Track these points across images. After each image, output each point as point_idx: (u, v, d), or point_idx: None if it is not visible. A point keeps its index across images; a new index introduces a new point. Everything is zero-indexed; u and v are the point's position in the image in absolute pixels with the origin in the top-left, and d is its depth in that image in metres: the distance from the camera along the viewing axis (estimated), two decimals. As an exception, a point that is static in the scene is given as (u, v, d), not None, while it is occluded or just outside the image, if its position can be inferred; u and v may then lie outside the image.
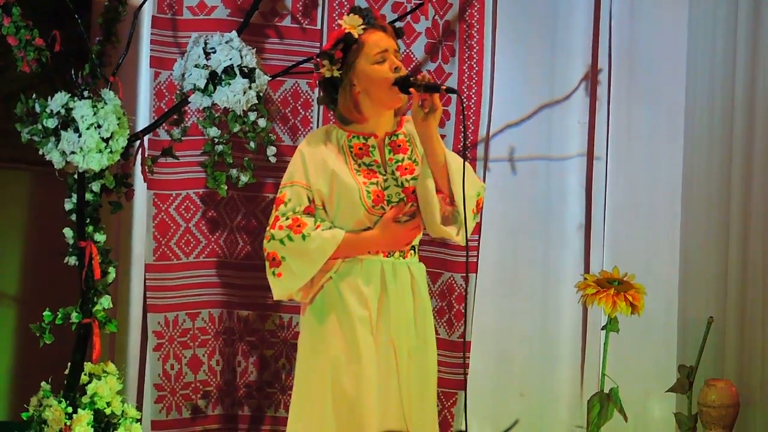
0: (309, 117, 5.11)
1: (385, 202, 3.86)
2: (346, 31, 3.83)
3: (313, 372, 3.88)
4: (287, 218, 3.82)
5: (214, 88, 4.35)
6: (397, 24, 4.32)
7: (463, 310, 5.14)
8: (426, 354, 3.94)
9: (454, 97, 4.95)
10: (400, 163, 3.91)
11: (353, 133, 3.91)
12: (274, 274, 3.84)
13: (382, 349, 3.82)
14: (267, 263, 3.86)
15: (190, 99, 4.40)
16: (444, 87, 3.74)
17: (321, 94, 3.95)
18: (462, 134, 3.92)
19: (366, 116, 3.90)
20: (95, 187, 4.43)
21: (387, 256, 3.89)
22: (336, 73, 3.85)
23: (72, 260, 4.44)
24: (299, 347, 3.97)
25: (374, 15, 3.90)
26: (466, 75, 5.21)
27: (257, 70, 4.38)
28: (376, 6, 5.10)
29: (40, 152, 4.24)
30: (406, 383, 3.86)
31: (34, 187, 5.07)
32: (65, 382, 4.41)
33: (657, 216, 5.39)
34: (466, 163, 3.83)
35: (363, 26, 3.84)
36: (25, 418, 4.40)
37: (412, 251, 3.96)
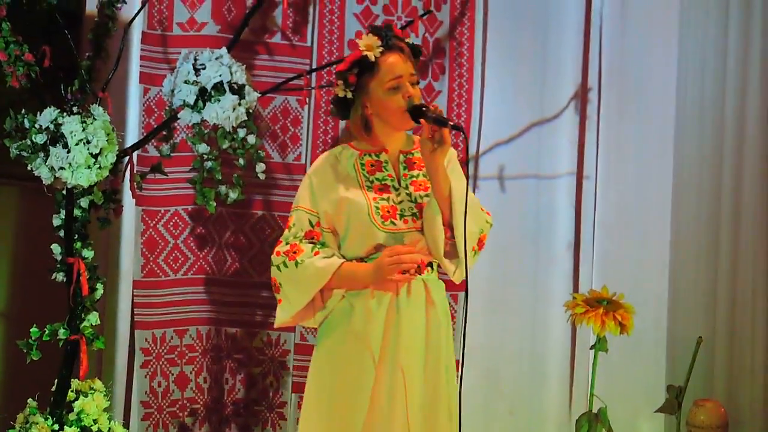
0: (298, 134, 5.10)
1: (397, 216, 3.81)
2: (363, 53, 3.80)
3: (319, 392, 3.84)
4: (287, 243, 3.80)
5: (204, 105, 4.34)
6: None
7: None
8: (439, 376, 3.85)
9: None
10: (414, 179, 3.89)
11: (364, 151, 3.89)
12: (277, 299, 3.82)
13: (388, 372, 3.75)
14: (273, 288, 3.85)
15: (179, 115, 4.39)
16: (451, 123, 3.73)
17: (333, 108, 3.93)
18: (466, 167, 3.89)
19: (377, 135, 3.88)
20: (84, 203, 4.42)
21: (402, 272, 3.76)
22: (349, 95, 3.84)
23: (60, 276, 4.42)
24: (311, 364, 3.91)
25: (393, 34, 3.84)
26: (455, 93, 5.21)
27: (247, 87, 4.38)
28: (366, 22, 5.10)
29: (29, 168, 4.23)
30: (415, 407, 3.77)
31: (22, 203, 5.05)
32: (52, 399, 4.39)
33: (646, 235, 5.40)
34: (475, 198, 3.82)
35: (380, 48, 3.81)
36: (11, 436, 4.38)
37: (429, 267, 3.87)
